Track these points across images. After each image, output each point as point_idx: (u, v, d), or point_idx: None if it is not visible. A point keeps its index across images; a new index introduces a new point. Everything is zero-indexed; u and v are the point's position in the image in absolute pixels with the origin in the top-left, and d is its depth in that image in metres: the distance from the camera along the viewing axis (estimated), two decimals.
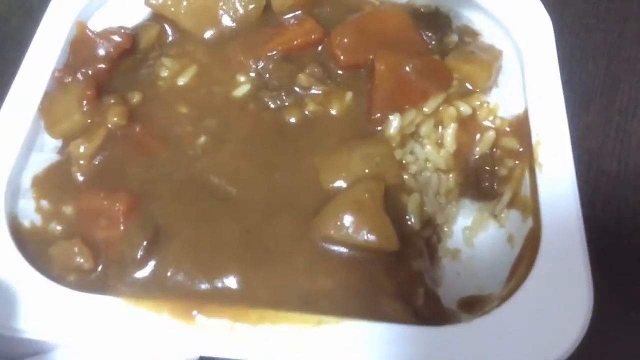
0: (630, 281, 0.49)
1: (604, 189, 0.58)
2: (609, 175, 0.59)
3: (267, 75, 0.52)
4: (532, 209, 0.46)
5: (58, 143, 0.51)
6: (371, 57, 0.51)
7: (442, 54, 0.56)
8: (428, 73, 0.51)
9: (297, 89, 0.52)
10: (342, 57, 0.52)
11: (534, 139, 0.49)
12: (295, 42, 0.53)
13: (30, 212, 0.47)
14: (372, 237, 0.42)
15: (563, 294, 0.41)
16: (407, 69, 0.50)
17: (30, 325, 0.40)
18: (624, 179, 0.60)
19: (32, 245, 0.45)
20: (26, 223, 0.47)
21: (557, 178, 0.45)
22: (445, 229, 0.51)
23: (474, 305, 0.46)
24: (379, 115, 0.49)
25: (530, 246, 0.45)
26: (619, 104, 0.65)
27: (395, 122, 0.49)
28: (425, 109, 0.51)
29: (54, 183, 0.47)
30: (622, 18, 0.71)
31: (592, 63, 0.68)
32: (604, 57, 0.68)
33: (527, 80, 0.51)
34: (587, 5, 0.72)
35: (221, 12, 0.56)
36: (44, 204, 0.47)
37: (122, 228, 0.42)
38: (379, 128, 0.49)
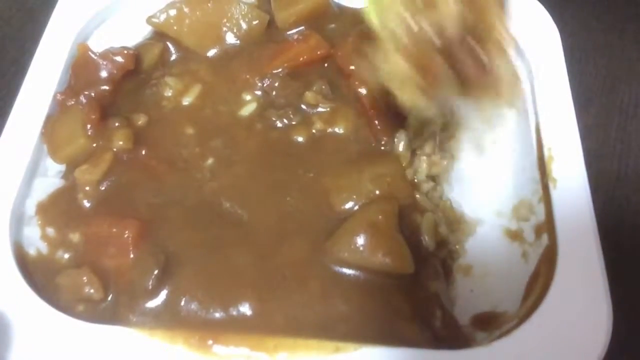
0: (630, 281, 0.49)
1: (604, 189, 0.58)
2: (609, 175, 0.59)
3: (273, 93, 0.51)
4: (546, 225, 0.46)
5: (61, 167, 0.50)
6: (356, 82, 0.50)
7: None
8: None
9: (303, 107, 0.51)
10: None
11: (546, 154, 0.48)
12: (301, 59, 0.52)
13: (35, 239, 0.46)
14: (387, 260, 0.41)
15: (582, 312, 0.41)
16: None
17: (39, 358, 0.39)
18: (624, 179, 0.60)
19: (38, 274, 0.44)
20: (32, 251, 0.45)
21: (571, 194, 0.45)
22: (457, 247, 0.50)
23: (488, 323, 0.46)
24: (385, 139, 0.48)
25: (545, 263, 0.45)
26: (619, 104, 0.66)
27: (401, 138, 0.49)
28: None
29: (59, 209, 0.46)
30: (622, 18, 0.71)
31: (592, 63, 0.68)
32: (604, 57, 0.69)
33: (537, 94, 0.51)
34: (587, 5, 0.72)
35: (224, 28, 0.55)
36: (50, 231, 0.46)
37: (132, 256, 0.42)
38: (387, 147, 0.48)
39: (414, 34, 0.39)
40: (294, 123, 0.50)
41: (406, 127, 0.49)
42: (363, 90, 0.50)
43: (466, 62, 0.38)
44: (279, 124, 0.50)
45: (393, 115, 0.49)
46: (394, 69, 0.39)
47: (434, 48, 0.38)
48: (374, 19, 0.42)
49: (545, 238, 0.46)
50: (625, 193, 0.58)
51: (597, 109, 0.64)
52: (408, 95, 0.40)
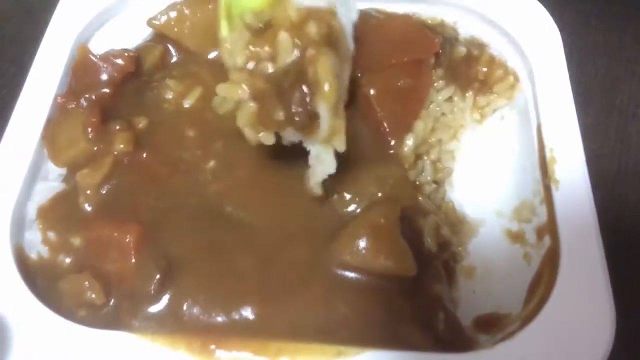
0: (630, 281, 0.49)
1: (604, 189, 0.58)
2: (609, 175, 0.59)
3: None
4: (549, 227, 0.46)
5: (62, 171, 0.50)
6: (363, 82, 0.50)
7: (451, 66, 0.55)
8: (416, 72, 0.51)
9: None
10: (358, 75, 0.51)
11: (548, 155, 0.48)
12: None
13: (37, 243, 0.46)
14: (389, 263, 0.41)
15: (586, 314, 0.40)
16: (400, 83, 0.49)
17: None
18: (624, 180, 0.60)
19: (40, 278, 0.44)
20: (33, 255, 0.45)
21: (574, 196, 0.45)
22: (460, 248, 0.50)
23: (491, 325, 0.46)
24: (393, 142, 0.48)
25: (548, 265, 0.45)
26: (619, 104, 0.65)
27: (410, 142, 0.48)
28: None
29: (60, 214, 0.46)
30: (622, 18, 0.70)
31: (592, 63, 0.68)
32: (604, 57, 0.68)
33: (539, 95, 0.51)
34: (587, 5, 0.72)
35: None
36: (51, 235, 0.45)
37: (134, 261, 0.41)
38: (394, 150, 0.48)
39: (249, 58, 0.40)
40: None
41: (415, 132, 0.49)
42: (372, 91, 0.49)
43: (293, 103, 0.39)
44: None
45: (402, 118, 0.49)
46: (231, 93, 0.41)
47: (266, 79, 0.40)
48: (222, 31, 0.46)
49: (547, 240, 0.46)
50: (625, 193, 0.58)
51: (597, 109, 0.64)
52: (243, 123, 0.40)
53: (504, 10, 0.56)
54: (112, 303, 0.42)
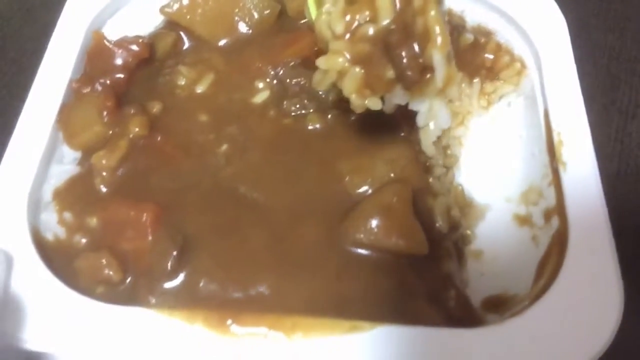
0: (631, 281, 0.50)
1: (603, 189, 0.58)
2: (609, 175, 0.60)
3: (287, 81, 0.52)
4: (557, 208, 0.47)
5: (77, 154, 0.50)
6: None
7: (457, 54, 0.56)
8: None
9: (316, 95, 0.52)
10: None
11: (555, 139, 0.49)
12: (315, 48, 0.53)
13: (52, 224, 0.46)
14: (401, 241, 0.42)
15: (594, 292, 0.41)
16: None
17: (61, 340, 0.39)
18: (624, 179, 0.60)
19: (57, 258, 0.44)
20: (49, 236, 0.46)
21: (581, 177, 0.46)
22: (468, 232, 0.51)
23: (499, 305, 0.46)
24: (406, 126, 0.49)
25: (557, 246, 0.46)
26: (619, 104, 0.66)
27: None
28: None
29: (76, 195, 0.46)
30: (622, 18, 0.71)
31: (592, 63, 0.68)
32: (604, 57, 0.69)
33: (545, 80, 0.52)
34: (587, 5, 0.72)
35: (236, 18, 0.56)
36: (67, 216, 0.46)
37: (150, 238, 0.42)
38: (405, 134, 0.49)
39: (348, 24, 0.40)
40: (311, 110, 0.50)
41: None
42: None
43: (403, 59, 0.39)
44: (293, 112, 0.51)
45: None
46: (332, 63, 0.40)
47: (370, 41, 0.39)
48: (312, 11, 0.44)
49: (555, 221, 0.47)
50: (625, 193, 0.59)
51: (597, 109, 0.65)
52: (349, 89, 0.40)
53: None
54: (129, 280, 0.42)
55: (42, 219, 0.47)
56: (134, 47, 0.51)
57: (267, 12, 0.56)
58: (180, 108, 0.52)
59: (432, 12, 0.39)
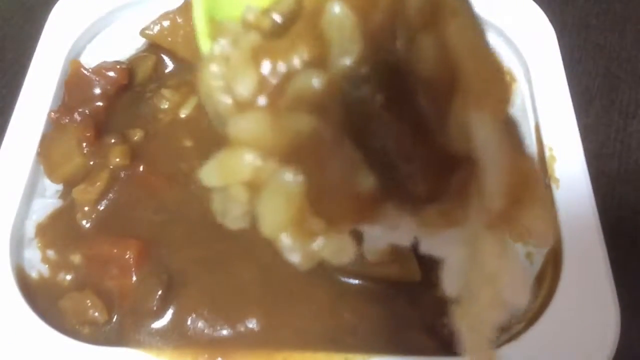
0: (630, 281, 0.49)
1: (604, 190, 0.58)
2: (609, 175, 0.59)
3: None
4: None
5: (59, 187, 0.49)
6: None
7: None
8: None
9: None
10: None
11: (547, 154, 0.48)
12: None
13: (36, 262, 0.45)
14: (393, 268, 0.41)
15: (590, 313, 0.41)
16: None
17: None
18: (624, 179, 0.59)
19: (41, 297, 0.43)
20: (33, 274, 0.45)
21: (575, 194, 0.45)
22: None
23: None
24: None
25: (551, 264, 0.45)
26: (619, 104, 0.65)
27: None
28: None
29: (58, 231, 0.45)
30: (622, 18, 0.70)
31: (592, 63, 0.68)
32: (604, 57, 0.68)
33: (536, 93, 0.51)
34: (587, 5, 0.71)
35: None
36: (50, 253, 0.45)
37: (134, 277, 0.41)
38: None
39: (265, 78, 0.20)
40: None
41: None
42: None
43: (395, 141, 0.18)
44: None
45: None
46: (232, 168, 0.22)
47: (313, 107, 0.19)
48: (204, 49, 0.28)
49: None
50: (625, 193, 0.58)
51: (597, 109, 0.64)
52: (273, 223, 0.21)
53: (498, 10, 0.56)
54: (115, 320, 0.41)
55: (26, 256, 0.46)
56: (112, 74, 0.50)
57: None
58: (163, 134, 0.51)
59: (453, 26, 0.17)
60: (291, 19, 0.22)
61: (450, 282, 0.22)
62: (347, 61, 0.20)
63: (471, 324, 0.21)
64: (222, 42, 0.22)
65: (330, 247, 0.21)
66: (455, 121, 0.17)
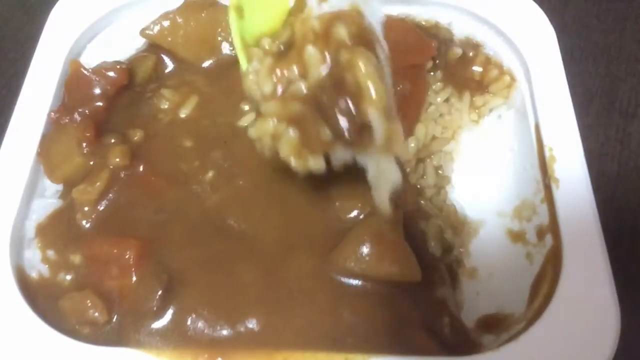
0: (630, 281, 0.50)
1: (604, 190, 0.59)
2: (609, 175, 0.60)
3: None
4: (550, 226, 0.46)
5: (59, 187, 0.49)
6: None
7: (447, 67, 0.55)
8: (414, 76, 0.50)
9: None
10: None
11: (547, 154, 0.48)
12: None
13: (36, 262, 0.45)
14: (393, 269, 0.41)
15: (590, 313, 0.41)
16: (398, 88, 0.49)
17: None
18: (624, 180, 0.60)
19: (41, 298, 0.43)
20: (33, 274, 0.45)
21: (575, 194, 0.45)
22: (462, 249, 0.50)
23: (495, 325, 0.46)
24: None
25: (551, 264, 0.45)
26: (619, 104, 0.66)
27: (412, 145, 0.48)
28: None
29: (58, 231, 0.45)
30: (622, 18, 0.71)
31: (592, 63, 0.68)
32: (604, 57, 0.69)
33: (536, 93, 0.51)
34: (587, 5, 0.72)
35: (219, 38, 0.54)
36: (50, 253, 0.45)
37: (134, 277, 0.41)
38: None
39: (277, 83, 0.38)
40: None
41: (416, 135, 0.49)
42: None
43: (337, 118, 0.36)
44: None
45: (402, 122, 0.48)
46: (263, 129, 0.38)
47: (301, 100, 0.37)
48: (242, 65, 0.42)
49: (549, 239, 0.46)
50: (626, 193, 0.58)
51: (597, 109, 0.64)
52: (286, 152, 0.38)
53: (497, 10, 0.56)
54: (114, 320, 0.41)
55: (26, 256, 0.46)
56: (112, 74, 0.50)
57: None
58: (163, 134, 0.50)
59: (362, 66, 0.35)
60: (288, 45, 0.40)
61: (370, 177, 0.40)
62: (315, 77, 0.38)
63: (378, 195, 0.40)
64: (254, 63, 0.41)
65: (314, 163, 0.38)
66: (362, 109, 0.36)
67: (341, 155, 0.38)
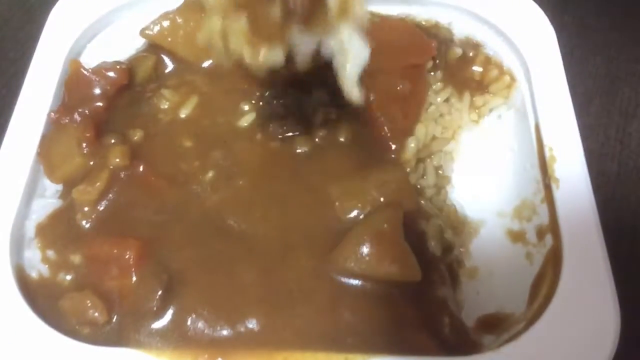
0: (630, 281, 0.50)
1: (604, 190, 0.59)
2: (609, 175, 0.60)
3: (274, 102, 0.51)
4: (550, 226, 0.46)
5: (59, 187, 0.49)
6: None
7: (447, 67, 0.55)
8: (414, 76, 0.50)
9: (304, 116, 0.50)
10: None
11: (547, 154, 0.48)
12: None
13: (36, 262, 0.45)
14: (393, 269, 0.41)
15: (590, 313, 0.41)
16: (399, 88, 0.49)
17: None
18: (624, 180, 0.60)
19: (41, 297, 0.43)
20: (33, 274, 0.45)
21: (575, 194, 0.45)
22: (462, 249, 0.50)
23: (495, 325, 0.46)
24: (395, 146, 0.48)
25: (551, 264, 0.45)
26: (619, 104, 0.66)
27: (412, 145, 0.48)
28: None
29: (58, 231, 0.45)
30: (622, 17, 0.71)
31: (592, 63, 0.68)
32: (604, 57, 0.69)
33: (536, 93, 0.51)
34: (587, 5, 0.72)
35: None
36: (50, 253, 0.45)
37: (134, 277, 0.41)
38: (395, 154, 0.48)
39: None
40: (296, 133, 0.49)
41: (416, 135, 0.49)
42: (372, 97, 0.49)
43: None
44: (280, 134, 0.50)
45: (402, 122, 0.48)
46: (210, 27, 0.35)
47: None
48: None
49: (548, 239, 0.46)
50: (626, 193, 0.58)
51: (597, 109, 0.64)
52: (238, 43, 0.35)
53: (497, 10, 0.56)
54: (114, 320, 0.41)
55: (26, 256, 0.46)
56: (112, 74, 0.50)
57: None
58: (163, 134, 0.50)
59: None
60: None
61: (335, 62, 0.38)
62: None
63: (345, 79, 0.38)
64: None
65: (269, 54, 0.36)
66: None
67: (301, 43, 0.35)
